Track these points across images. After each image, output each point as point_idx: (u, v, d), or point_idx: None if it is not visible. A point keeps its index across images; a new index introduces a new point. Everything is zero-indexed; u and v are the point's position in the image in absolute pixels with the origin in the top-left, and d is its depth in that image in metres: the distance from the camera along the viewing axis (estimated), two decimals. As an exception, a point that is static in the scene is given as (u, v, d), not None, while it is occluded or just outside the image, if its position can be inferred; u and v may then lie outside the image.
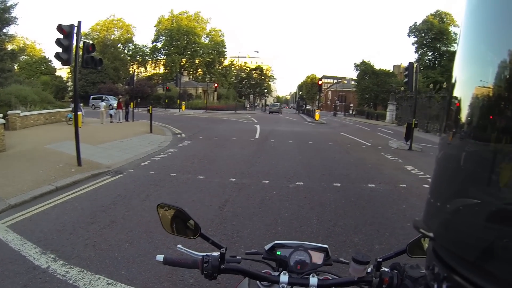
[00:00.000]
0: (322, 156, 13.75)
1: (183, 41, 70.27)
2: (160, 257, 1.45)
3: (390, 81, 61.52)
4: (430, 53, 60.25)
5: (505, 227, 0.70)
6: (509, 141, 0.69)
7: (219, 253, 1.45)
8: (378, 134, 28.14)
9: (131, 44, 74.35)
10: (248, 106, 75.22)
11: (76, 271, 3.98)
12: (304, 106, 72.01)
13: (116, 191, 7.38)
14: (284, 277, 1.39)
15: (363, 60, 66.23)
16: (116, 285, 3.79)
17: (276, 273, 1.47)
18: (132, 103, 26.98)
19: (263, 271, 1.51)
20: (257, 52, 76.42)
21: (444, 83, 43.22)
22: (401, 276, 1.40)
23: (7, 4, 22.82)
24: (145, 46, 74.96)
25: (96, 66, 10.36)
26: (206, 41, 76.00)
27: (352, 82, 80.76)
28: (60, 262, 4.16)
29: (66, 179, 7.96)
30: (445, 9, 67.43)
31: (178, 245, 1.55)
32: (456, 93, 0.87)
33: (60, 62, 9.23)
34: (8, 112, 16.20)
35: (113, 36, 72.26)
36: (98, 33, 69.96)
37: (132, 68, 71.87)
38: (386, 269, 1.45)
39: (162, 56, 73.97)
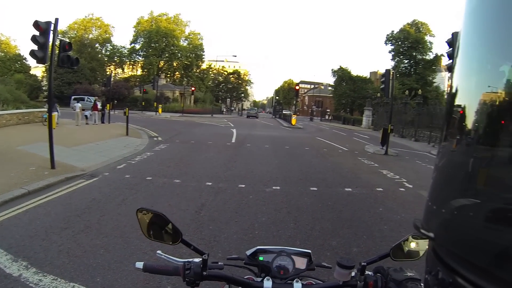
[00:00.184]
0: (299, 161, 13.84)
1: (161, 43, 69.80)
2: (139, 264, 1.42)
3: (366, 87, 62.87)
4: (406, 61, 61.74)
5: (505, 227, 0.71)
6: None
7: (201, 259, 1.43)
8: (355, 139, 28.50)
9: (109, 44, 72.97)
10: (224, 110, 75.25)
11: (49, 279, 3.86)
12: (281, 111, 72.26)
13: (90, 195, 7.20)
14: (267, 283, 1.38)
15: (340, 66, 67.63)
16: (91, 292, 3.71)
17: (259, 279, 1.47)
18: (108, 105, 26.62)
19: (245, 277, 1.50)
20: (235, 56, 76.50)
21: (419, 90, 44.10)
22: (385, 279, 1.42)
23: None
24: (123, 47, 74.06)
25: (72, 66, 10.17)
26: (185, 44, 75.69)
27: (329, 88, 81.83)
28: (32, 270, 4.03)
29: (38, 182, 7.73)
30: (421, 19, 69.03)
31: (158, 251, 1.52)
32: (459, 101, 0.86)
33: (35, 60, 8.98)
34: (-22, 111, 15.74)
35: (91, 36, 70.76)
36: (75, 32, 68.36)
37: (109, 69, 70.97)
38: (370, 273, 1.47)
39: (140, 58, 73.20)
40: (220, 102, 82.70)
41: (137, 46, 72.81)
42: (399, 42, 60.66)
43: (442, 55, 57.40)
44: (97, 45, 70.98)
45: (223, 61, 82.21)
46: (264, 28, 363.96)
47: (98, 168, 9.92)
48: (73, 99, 40.28)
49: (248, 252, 1.57)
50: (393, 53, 62.34)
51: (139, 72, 74.00)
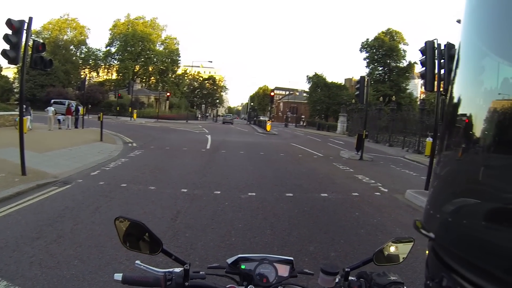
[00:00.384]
0: (274, 167, 13.91)
1: (137, 47, 68.66)
2: (118, 276, 1.38)
3: (341, 93, 63.78)
4: (380, 68, 63.13)
5: (505, 227, 0.73)
6: None
7: (182, 269, 1.42)
8: (329, 145, 28.78)
9: (84, 47, 71.43)
10: (199, 116, 74.76)
11: (21, 293, 3.74)
12: (256, 117, 72.41)
13: (63, 203, 7.00)
14: None
15: (315, 72, 68.46)
16: (65, 305, 3.63)
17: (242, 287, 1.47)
18: (82, 109, 26.14)
19: (227, 286, 1.49)
20: (211, 62, 76.01)
21: (393, 96, 44.83)
22: (369, 284, 1.45)
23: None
24: (99, 50, 72.42)
25: (46, 68, 9.97)
26: (161, 48, 74.75)
27: (304, 94, 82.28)
28: (3, 283, 3.86)
29: (8, 189, 7.48)
30: (395, 27, 70.33)
31: (137, 261, 1.48)
32: (464, 110, 0.87)
33: (7, 61, 8.71)
34: None
35: (65, 37, 68.95)
36: (50, 32, 66.46)
37: (84, 72, 69.37)
38: (354, 278, 1.50)
39: (116, 62, 71.69)
40: (195, 108, 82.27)
41: (113, 50, 71.53)
42: (374, 50, 62.01)
43: (415, 62, 59.00)
44: (71, 47, 69.44)
45: (198, 66, 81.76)
46: (240, 34, 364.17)
47: (71, 174, 9.71)
48: (53, 103, 38.95)
49: (229, 261, 1.54)
50: (367, 60, 63.68)
51: (114, 76, 72.54)
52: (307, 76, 70.36)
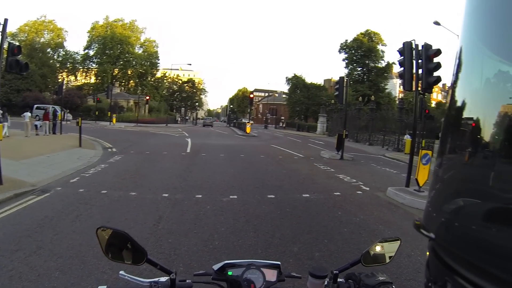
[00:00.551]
0: (255, 169, 13.95)
1: (116, 50, 67.68)
2: None
3: (321, 94, 64.43)
4: (359, 69, 64.43)
5: (505, 227, 0.73)
6: None
7: (167, 278, 1.40)
8: (310, 146, 28.93)
9: (61, 49, 69.66)
10: (179, 120, 74.29)
11: (1, 308, 3.63)
12: (235, 119, 72.47)
13: (42, 212, 6.80)
14: None
15: (294, 74, 69.06)
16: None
17: None
18: (60, 114, 25.64)
19: None
20: (190, 64, 75.85)
21: (372, 96, 45.41)
22: (358, 285, 1.46)
23: None
24: (77, 53, 70.88)
25: (22, 72, 9.70)
26: (140, 51, 73.93)
27: (283, 95, 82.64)
28: None
29: (-16, 200, 7.26)
30: (374, 29, 71.58)
31: (121, 272, 1.46)
32: (470, 114, 0.86)
33: (-20, 64, 8.53)
34: None
35: (42, 40, 66.85)
36: (26, 35, 64.61)
37: (62, 76, 67.52)
38: (342, 280, 1.51)
39: (94, 65, 70.35)
40: (175, 111, 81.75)
41: (91, 53, 70.12)
42: (353, 51, 63.22)
43: (393, 63, 60.43)
44: (48, 50, 67.43)
45: (177, 69, 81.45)
46: (219, 37, 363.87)
47: (50, 182, 9.48)
48: (35, 109, 37.49)
49: (216, 267, 1.53)
50: (346, 61, 65.00)
51: (93, 80, 71.34)
52: (286, 77, 70.91)
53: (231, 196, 9.00)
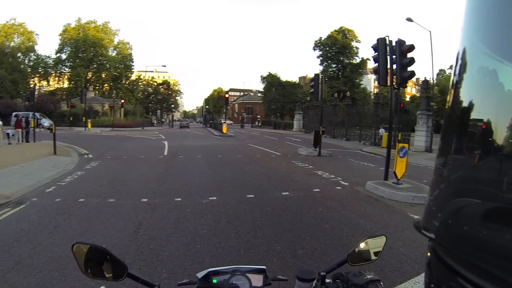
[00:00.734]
0: (233, 169, 13.96)
1: (89, 53, 66.02)
2: None
3: (296, 91, 65.00)
4: (334, 65, 65.41)
5: (505, 227, 0.72)
6: None
7: None
8: (287, 143, 29.09)
9: (32, 54, 67.25)
10: (155, 122, 73.62)
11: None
12: (211, 120, 72.37)
13: (18, 225, 6.55)
14: None
15: (269, 72, 69.32)
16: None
17: None
18: (33, 122, 25.00)
19: None
20: (164, 66, 74.82)
21: (348, 92, 45.96)
22: (346, 285, 1.45)
23: None
24: (48, 57, 68.57)
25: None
26: (114, 54, 72.38)
27: (259, 94, 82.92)
28: None
29: (-44, 215, 6.97)
30: (348, 26, 72.53)
31: (102, 287, 1.44)
32: (470, 114, 0.85)
33: None
34: None
35: (12, 44, 64.57)
36: None
37: (33, 81, 65.22)
38: (329, 281, 1.50)
39: (67, 69, 68.20)
40: (151, 114, 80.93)
41: (63, 56, 67.90)
42: (327, 48, 64.07)
43: (368, 59, 61.38)
44: (19, 54, 65.04)
45: (152, 71, 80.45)
46: (193, 37, 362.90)
47: (25, 193, 9.16)
48: (13, 116, 36.38)
49: (200, 275, 1.50)
50: (321, 58, 65.81)
51: (66, 84, 69.08)
52: (261, 76, 71.37)
53: (210, 198, 8.98)
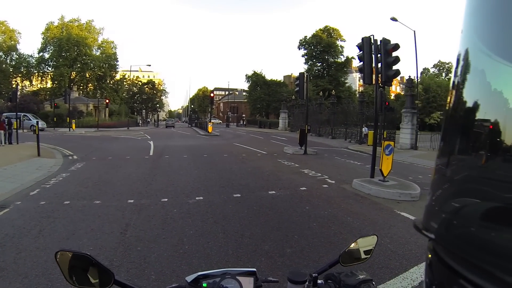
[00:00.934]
0: (219, 168, 13.93)
1: (73, 52, 64.76)
2: None
3: (281, 90, 65.43)
4: (319, 64, 65.89)
5: (506, 227, 0.71)
6: None
7: None
8: (273, 142, 29.16)
9: (14, 53, 65.38)
10: (140, 122, 73.08)
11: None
12: (197, 119, 72.28)
13: (2, 230, 6.36)
14: None
15: (254, 71, 69.87)
16: None
17: None
18: (15, 123, 24.54)
19: None
20: (149, 65, 74.26)
21: (333, 90, 46.25)
22: (338, 285, 1.44)
23: None
24: (31, 56, 66.91)
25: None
26: (98, 53, 71.31)
27: (244, 93, 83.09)
28: None
29: None
30: (333, 25, 72.99)
31: None
32: (470, 113, 0.84)
33: None
34: None
35: None
36: None
37: (15, 81, 63.67)
38: (321, 281, 1.49)
39: (50, 69, 66.95)
40: (136, 114, 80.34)
41: (46, 55, 66.65)
42: (312, 47, 64.49)
43: (352, 57, 61.97)
44: (0, 53, 63.28)
45: (137, 71, 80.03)
46: (177, 37, 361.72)
47: (8, 197, 8.89)
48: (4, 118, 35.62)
49: (189, 279, 1.46)
50: (306, 57, 66.28)
51: (49, 84, 67.68)
52: (246, 75, 71.69)
53: (197, 198, 8.96)
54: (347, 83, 67.01)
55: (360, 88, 71.66)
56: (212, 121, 46.32)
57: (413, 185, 10.40)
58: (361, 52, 11.06)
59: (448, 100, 0.93)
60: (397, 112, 29.12)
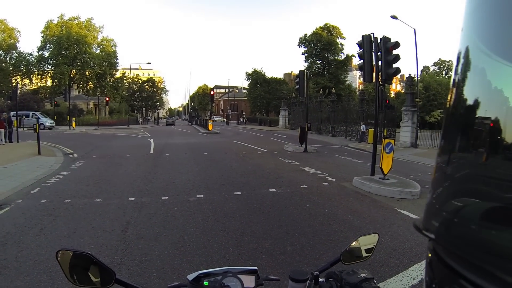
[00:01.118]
0: (219, 166, 13.96)
1: (72, 51, 64.33)
2: None
3: (281, 88, 65.36)
4: (319, 62, 65.87)
5: (506, 227, 0.72)
6: None
7: None
8: (273, 140, 29.14)
9: (14, 51, 65.10)
10: (141, 120, 73.00)
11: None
12: (197, 117, 72.20)
13: (4, 228, 6.36)
14: None
15: (254, 69, 69.75)
16: None
17: None
18: (15, 121, 24.52)
19: None
20: (149, 63, 74.26)
21: (333, 88, 46.22)
22: (340, 283, 1.44)
23: None
24: (31, 54, 66.55)
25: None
26: (97, 51, 71.01)
27: (244, 91, 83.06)
28: None
29: None
30: (333, 23, 72.88)
31: None
32: (470, 113, 0.84)
33: None
34: None
35: None
36: None
37: (15, 80, 63.45)
38: (323, 280, 1.49)
39: (50, 67, 66.53)
40: (136, 112, 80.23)
41: (46, 54, 66.16)
42: (312, 45, 64.47)
43: (352, 55, 61.83)
44: (0, 52, 63.14)
45: (137, 68, 79.95)
46: (178, 34, 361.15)
47: (9, 195, 8.90)
48: (12, 116, 35.40)
49: (190, 277, 1.47)
50: (306, 54, 66.23)
51: (49, 82, 67.47)
52: (246, 72, 71.59)
53: (197, 196, 8.97)
54: (347, 81, 66.95)
55: (360, 86, 71.77)
56: (215, 119, 46.11)
57: (414, 183, 10.40)
58: (361, 50, 11.05)
59: (449, 98, 0.93)
60: (397, 110, 29.09)
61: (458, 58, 0.89)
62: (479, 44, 0.83)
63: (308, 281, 1.45)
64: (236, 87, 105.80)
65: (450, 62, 79.21)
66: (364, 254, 1.68)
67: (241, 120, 78.19)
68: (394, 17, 31.04)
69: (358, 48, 11.31)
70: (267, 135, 35.75)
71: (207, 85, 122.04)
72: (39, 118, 33.97)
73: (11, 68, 64.79)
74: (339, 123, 36.58)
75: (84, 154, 17.80)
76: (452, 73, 0.93)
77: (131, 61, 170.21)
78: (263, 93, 67.73)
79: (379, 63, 10.61)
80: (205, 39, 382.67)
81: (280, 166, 14.36)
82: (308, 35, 65.47)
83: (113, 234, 6.12)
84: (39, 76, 68.49)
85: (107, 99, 54.80)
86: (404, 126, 26.58)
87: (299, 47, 67.10)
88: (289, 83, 69.77)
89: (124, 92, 76.59)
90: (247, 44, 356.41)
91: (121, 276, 1.34)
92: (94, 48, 71.02)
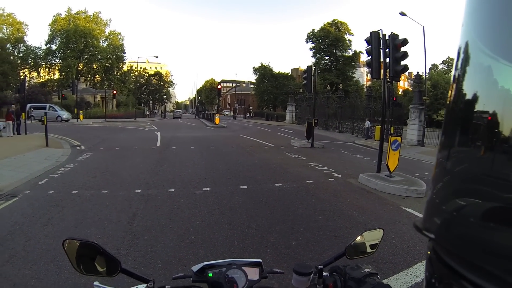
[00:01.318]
0: (226, 160, 13.99)
1: (80, 44, 64.48)
2: None
3: (288, 83, 65.17)
4: (326, 58, 65.49)
5: (506, 227, 0.74)
6: None
7: (145, 285, 1.37)
8: (280, 135, 29.11)
9: (22, 45, 65.04)
10: (148, 113, 73.09)
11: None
12: (204, 111, 72.23)
13: (12, 218, 6.43)
14: None
15: (262, 63, 69.46)
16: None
17: None
18: (23, 114, 24.62)
19: None
20: (157, 57, 74.27)
21: (340, 84, 46.10)
22: (343, 278, 1.45)
23: None
24: (38, 48, 66.59)
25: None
26: (105, 44, 71.05)
27: (251, 86, 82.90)
28: None
29: None
30: (341, 19, 72.46)
31: (95, 282, 1.40)
32: (470, 112, 0.84)
33: None
34: None
35: (1, 35, 62.00)
36: None
37: (23, 73, 62.71)
38: (326, 274, 1.50)
39: (57, 60, 66.73)
40: (143, 105, 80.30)
41: (54, 47, 66.18)
42: (320, 40, 64.13)
43: (360, 52, 61.45)
44: (8, 45, 62.27)
45: (144, 62, 79.90)
46: (185, 28, 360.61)
47: (18, 186, 9.03)
48: (29, 108, 35.26)
49: (195, 268, 1.49)
50: (313, 50, 65.87)
51: (57, 75, 67.71)
52: (254, 67, 71.45)
53: (204, 189, 9.00)
54: (354, 77, 66.60)
55: (368, 82, 71.29)
56: (225, 113, 45.91)
57: (419, 181, 10.37)
58: (370, 46, 11.01)
59: (449, 94, 0.93)
60: (405, 108, 28.97)
61: (459, 53, 0.90)
62: (478, 41, 0.84)
63: (312, 274, 1.46)
64: (243, 82, 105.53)
65: (459, 61, 78.59)
66: (369, 250, 1.68)
67: (248, 115, 78.14)
68: (402, 13, 30.87)
69: (366, 45, 11.27)
70: (274, 130, 35.72)
71: (214, 79, 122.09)
72: (56, 111, 34.13)
73: (19, 61, 64.57)
74: (346, 119, 36.46)
75: (91, 146, 17.89)
76: (453, 69, 0.94)
77: (139, 54, 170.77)
78: (270, 88, 67.61)
79: (387, 60, 10.56)
80: (213, 34, 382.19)
81: (287, 161, 14.37)
82: (316, 31, 65.08)
83: (119, 225, 6.17)
84: (47, 69, 68.69)
85: (114, 92, 54.90)
86: (411, 124, 26.43)
87: (307, 43, 66.80)
88: (297, 79, 69.52)
89: (131, 85, 76.68)
90: (254, 38, 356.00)
91: (126, 266, 1.36)
92: (101, 41, 71.01)
